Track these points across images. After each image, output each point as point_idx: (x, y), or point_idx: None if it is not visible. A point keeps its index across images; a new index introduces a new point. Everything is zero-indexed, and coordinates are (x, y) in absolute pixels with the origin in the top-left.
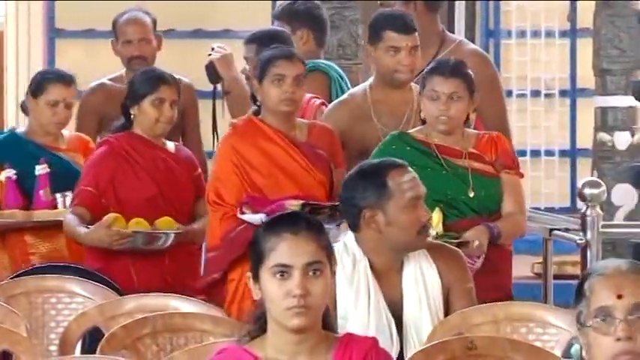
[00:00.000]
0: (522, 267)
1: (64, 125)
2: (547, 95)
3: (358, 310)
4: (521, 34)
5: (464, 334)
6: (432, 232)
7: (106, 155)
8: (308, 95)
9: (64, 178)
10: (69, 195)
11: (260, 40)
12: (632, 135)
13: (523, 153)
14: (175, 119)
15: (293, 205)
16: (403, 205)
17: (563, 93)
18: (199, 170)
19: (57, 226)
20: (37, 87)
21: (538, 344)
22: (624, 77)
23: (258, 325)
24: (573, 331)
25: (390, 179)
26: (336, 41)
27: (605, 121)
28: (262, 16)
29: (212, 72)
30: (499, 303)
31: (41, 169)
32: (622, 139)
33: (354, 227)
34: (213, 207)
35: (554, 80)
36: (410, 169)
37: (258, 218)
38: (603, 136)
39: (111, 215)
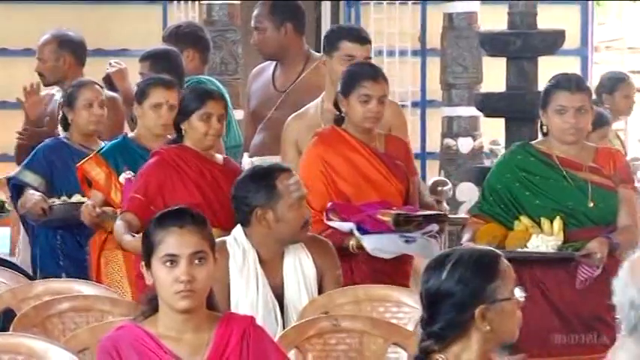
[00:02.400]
0: None
1: (170, 128)
2: (401, 106)
3: (248, 296)
4: (379, 52)
5: (329, 313)
6: (553, 240)
7: (157, 165)
8: None
9: None
10: None
11: (153, 57)
12: (474, 140)
13: None
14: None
15: (386, 215)
16: (290, 204)
17: (414, 104)
18: None
19: None
20: (142, 93)
21: (394, 321)
22: (467, 91)
23: (151, 306)
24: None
25: (279, 182)
26: (219, 59)
27: (450, 128)
28: (155, 37)
29: (109, 83)
30: (359, 285)
31: None
32: (465, 144)
33: (245, 223)
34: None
35: (407, 93)
36: (294, 172)
37: (347, 227)
38: (449, 141)
39: None
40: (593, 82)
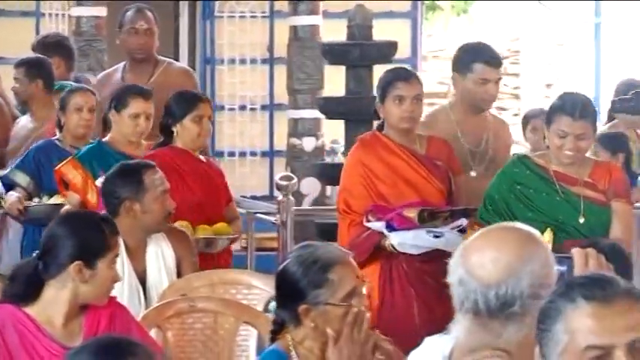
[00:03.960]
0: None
1: (144, 135)
2: (251, 109)
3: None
4: (232, 61)
5: (187, 295)
6: None
7: (159, 167)
8: None
9: None
10: None
11: (27, 64)
12: (317, 140)
13: (233, 154)
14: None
15: (411, 212)
16: (155, 196)
17: (263, 107)
18: (225, 179)
19: None
20: (120, 101)
21: (245, 302)
22: (310, 95)
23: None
24: (271, 291)
25: (146, 177)
26: (86, 66)
27: (295, 129)
28: (28, 46)
29: None
30: (213, 270)
31: None
32: (309, 143)
33: (114, 214)
34: (343, 215)
35: (257, 97)
36: (158, 169)
37: (379, 225)
38: (294, 140)
39: (182, 223)
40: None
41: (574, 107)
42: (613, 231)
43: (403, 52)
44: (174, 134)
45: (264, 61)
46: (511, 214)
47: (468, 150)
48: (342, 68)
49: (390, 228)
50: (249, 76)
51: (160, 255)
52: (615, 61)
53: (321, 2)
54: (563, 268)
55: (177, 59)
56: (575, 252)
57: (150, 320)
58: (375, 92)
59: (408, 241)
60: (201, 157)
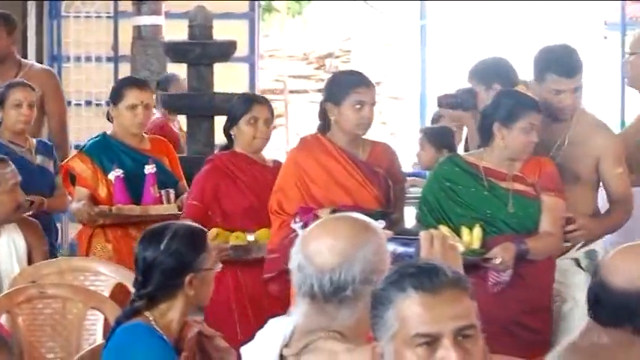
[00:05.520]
0: None
1: (145, 126)
2: (97, 104)
3: None
4: (78, 59)
5: (37, 282)
6: (461, 247)
7: (210, 172)
8: None
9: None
10: (172, 191)
11: None
12: None
13: (79, 147)
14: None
15: (324, 212)
16: (6, 189)
17: (108, 103)
18: None
19: (164, 220)
20: (117, 95)
21: (92, 288)
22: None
23: None
24: (117, 277)
25: None
26: None
27: None
28: None
29: None
30: (62, 258)
31: (150, 169)
32: None
33: None
34: (274, 215)
35: (102, 93)
36: (11, 163)
37: (297, 226)
38: None
39: (213, 231)
40: (259, 86)
41: (534, 102)
42: (542, 224)
43: (242, 50)
44: (233, 138)
45: (109, 59)
46: (443, 212)
47: None
48: (184, 66)
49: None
50: (95, 73)
51: (12, 244)
52: (440, 60)
53: (164, 3)
54: (412, 250)
55: (25, 57)
56: (422, 234)
57: (0, 306)
58: (215, 89)
59: None
60: (268, 161)
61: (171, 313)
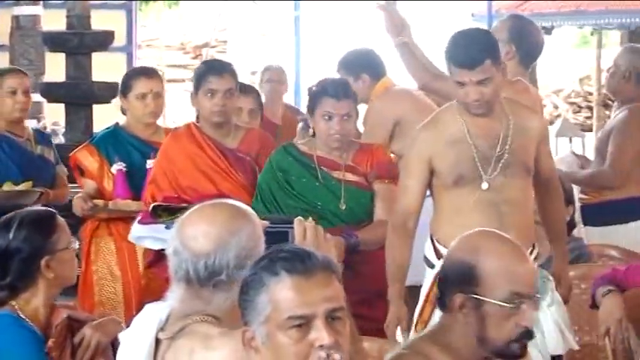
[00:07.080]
0: None
1: (158, 115)
2: None
3: None
4: None
5: None
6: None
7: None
8: None
9: None
10: None
11: None
12: (38, 122)
13: None
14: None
15: (154, 205)
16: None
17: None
18: None
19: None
20: (125, 86)
21: None
22: (33, 80)
23: None
24: None
25: None
26: None
27: None
28: None
29: None
30: None
31: (152, 163)
32: (31, 125)
33: None
34: (147, 206)
35: None
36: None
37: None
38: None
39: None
40: None
41: (336, 89)
42: (376, 212)
43: (120, 40)
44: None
45: None
46: (275, 203)
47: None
48: (63, 55)
49: (143, 223)
50: None
51: None
52: (313, 51)
53: None
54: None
55: None
56: (296, 221)
57: None
58: (93, 78)
59: (146, 235)
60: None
61: (35, 299)
